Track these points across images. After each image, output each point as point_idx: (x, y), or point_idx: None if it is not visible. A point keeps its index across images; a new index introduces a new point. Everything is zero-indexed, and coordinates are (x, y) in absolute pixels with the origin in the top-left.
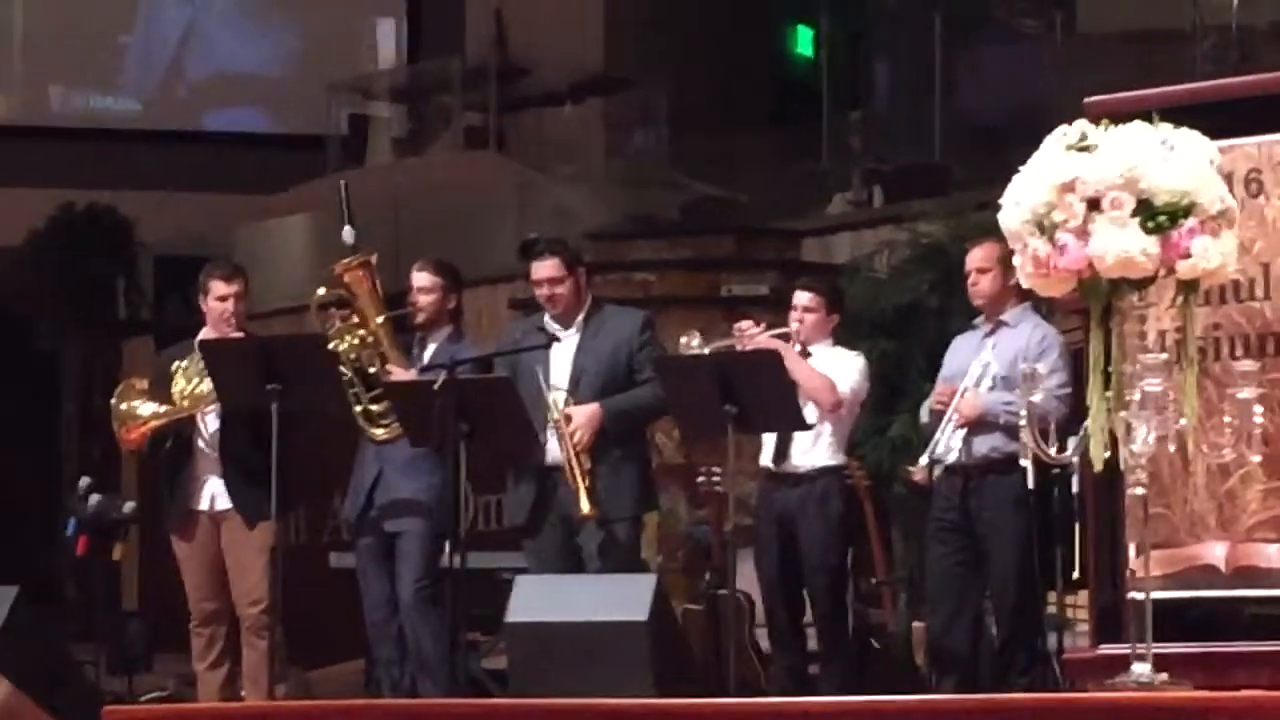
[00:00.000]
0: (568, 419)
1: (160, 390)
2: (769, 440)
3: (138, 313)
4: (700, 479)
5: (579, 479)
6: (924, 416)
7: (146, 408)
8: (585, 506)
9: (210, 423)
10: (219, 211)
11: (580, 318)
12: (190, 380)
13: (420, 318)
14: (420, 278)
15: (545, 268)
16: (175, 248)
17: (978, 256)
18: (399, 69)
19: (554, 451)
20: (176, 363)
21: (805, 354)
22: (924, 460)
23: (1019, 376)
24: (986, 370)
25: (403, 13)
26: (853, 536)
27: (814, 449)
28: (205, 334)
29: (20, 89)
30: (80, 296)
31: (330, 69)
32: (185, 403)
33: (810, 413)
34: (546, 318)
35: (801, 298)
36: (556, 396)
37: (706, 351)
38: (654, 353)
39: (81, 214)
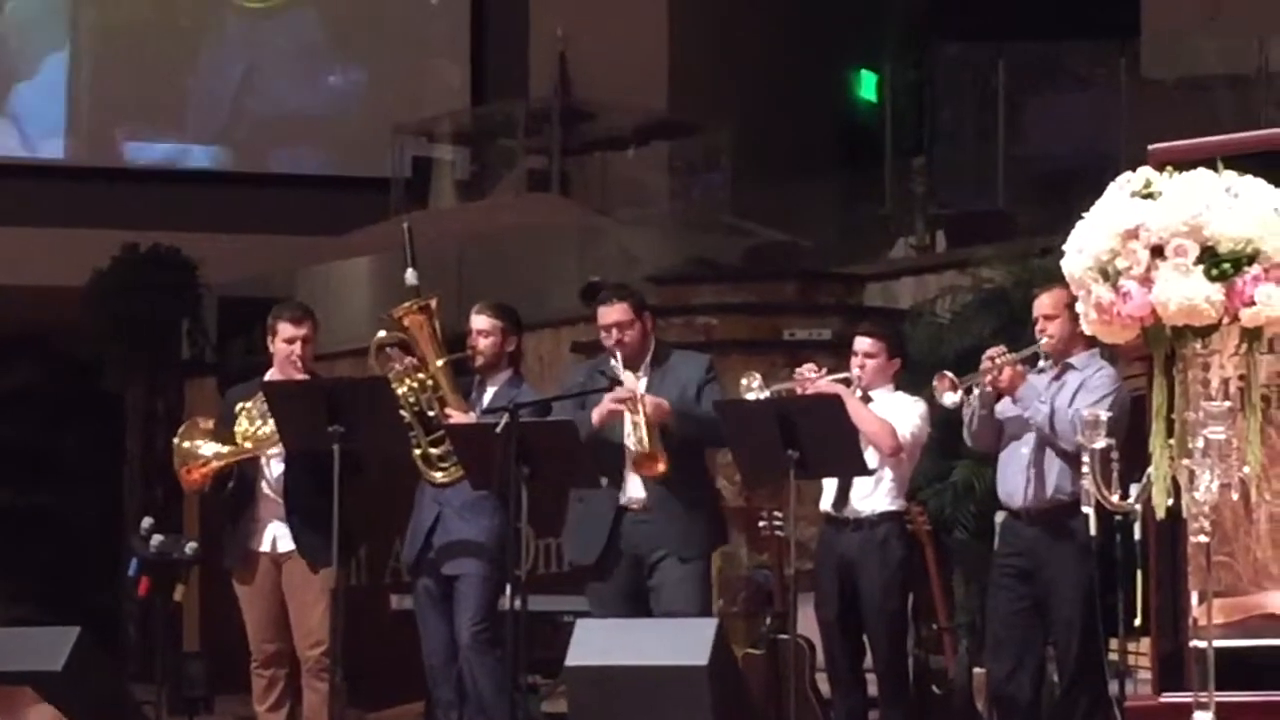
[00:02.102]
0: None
1: (224, 430)
2: (829, 485)
3: (201, 353)
4: (761, 523)
5: (651, 440)
6: (947, 401)
7: (209, 447)
8: (661, 465)
9: (274, 466)
10: (283, 253)
11: (646, 361)
12: (253, 421)
13: (479, 361)
14: (479, 320)
15: (613, 312)
16: (239, 289)
17: (1045, 303)
18: (462, 112)
19: (626, 492)
20: (241, 403)
21: (866, 399)
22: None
23: (1082, 423)
24: (1055, 410)
25: (466, 55)
26: (913, 582)
27: (874, 494)
28: (271, 375)
29: (85, 130)
30: (144, 337)
31: (394, 111)
32: (248, 444)
33: (871, 457)
34: (611, 361)
35: (862, 343)
36: (627, 376)
37: (767, 394)
38: (716, 395)
39: (146, 255)
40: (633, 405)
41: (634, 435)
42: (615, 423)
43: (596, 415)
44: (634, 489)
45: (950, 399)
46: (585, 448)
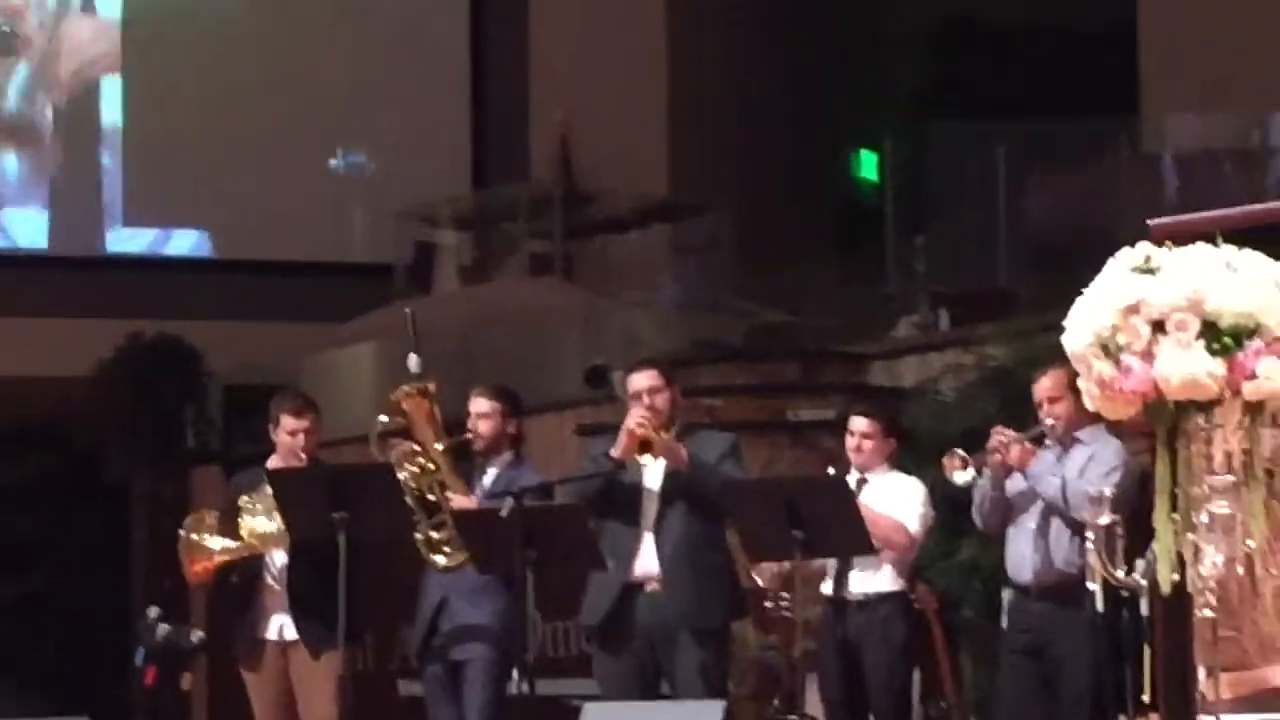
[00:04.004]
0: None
1: (229, 523)
2: (831, 567)
3: (207, 441)
4: (768, 603)
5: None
6: (958, 479)
7: (215, 542)
8: (682, 453)
9: (278, 557)
10: (287, 340)
11: (673, 434)
12: (256, 516)
13: (479, 444)
14: (478, 404)
15: (645, 377)
16: (243, 376)
17: (1047, 385)
18: (464, 196)
19: (640, 567)
20: (244, 498)
21: (863, 480)
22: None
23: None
24: (1064, 486)
25: (467, 139)
26: (919, 660)
27: (876, 576)
28: (273, 463)
29: (89, 219)
30: (149, 426)
31: (395, 197)
32: (254, 540)
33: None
34: (615, 449)
35: (859, 423)
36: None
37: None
38: (734, 469)
39: (150, 344)
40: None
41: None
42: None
43: (617, 448)
44: (647, 562)
45: (961, 478)
46: (591, 532)
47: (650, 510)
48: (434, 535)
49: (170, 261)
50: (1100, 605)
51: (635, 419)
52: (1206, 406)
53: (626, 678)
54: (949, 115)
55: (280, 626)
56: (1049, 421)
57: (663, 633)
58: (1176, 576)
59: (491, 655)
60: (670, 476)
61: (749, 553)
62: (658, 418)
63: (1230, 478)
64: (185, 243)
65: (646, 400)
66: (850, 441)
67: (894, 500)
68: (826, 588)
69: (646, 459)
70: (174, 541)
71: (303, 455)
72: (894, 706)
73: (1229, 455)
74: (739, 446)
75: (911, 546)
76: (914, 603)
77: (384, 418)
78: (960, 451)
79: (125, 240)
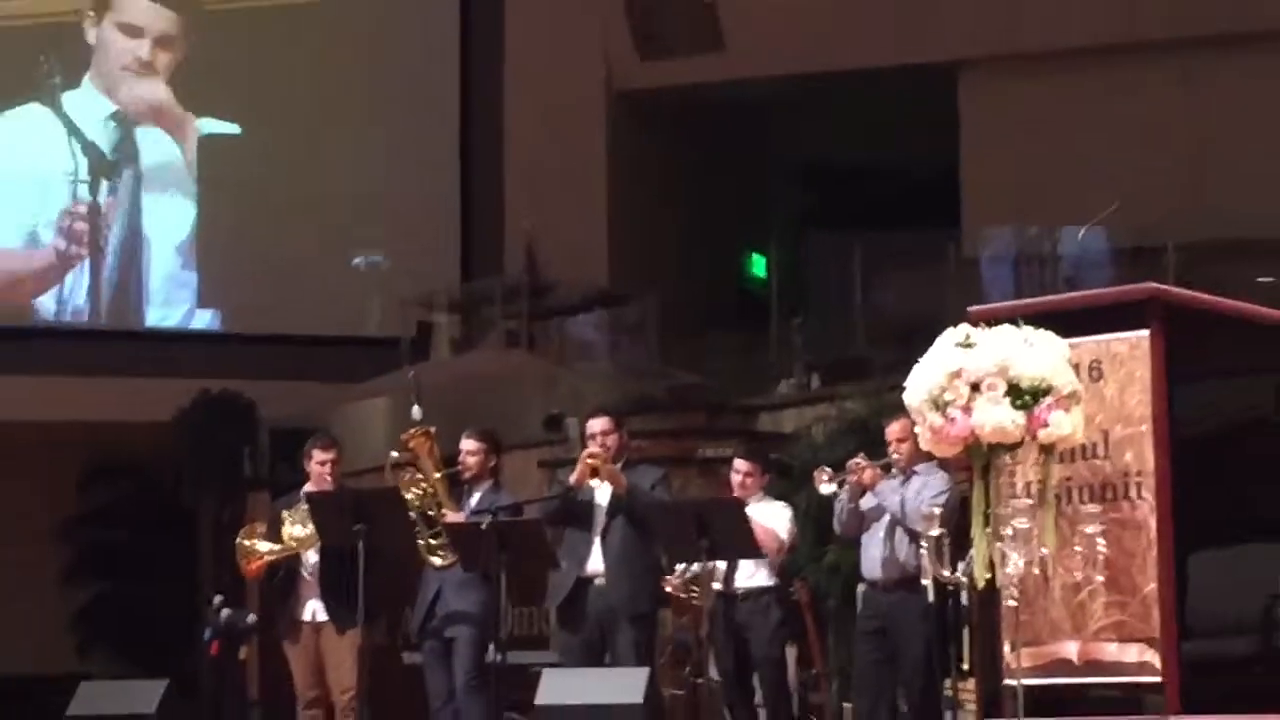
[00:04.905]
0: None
1: (273, 532)
2: (723, 567)
3: (258, 471)
4: (682, 595)
5: (608, 472)
6: (823, 489)
7: (264, 545)
8: (622, 480)
9: (311, 557)
10: (319, 395)
11: (618, 467)
12: (295, 524)
13: (467, 474)
14: (467, 443)
15: (599, 423)
16: (287, 423)
17: (895, 430)
18: (454, 287)
19: (589, 565)
20: (285, 512)
21: (743, 503)
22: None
23: (922, 515)
24: (904, 505)
25: (457, 245)
26: (795, 638)
27: (756, 574)
28: (309, 488)
29: (173, 305)
30: (214, 460)
31: (402, 287)
32: (294, 543)
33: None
34: (567, 477)
35: (741, 464)
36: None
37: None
38: (661, 495)
39: (215, 398)
40: (599, 463)
41: (600, 489)
42: (587, 484)
43: (574, 475)
44: (595, 562)
45: (826, 489)
46: (547, 541)
47: (599, 522)
48: (432, 542)
49: (230, 336)
50: (931, 596)
51: (589, 452)
52: (1011, 447)
53: (579, 650)
54: (818, 228)
55: (314, 610)
56: (894, 456)
57: (607, 616)
58: (988, 575)
59: (474, 633)
60: (614, 498)
61: (667, 555)
62: (607, 453)
63: (1029, 501)
64: (242, 322)
65: (600, 440)
66: (735, 478)
67: (769, 519)
68: (717, 584)
69: (595, 483)
70: (233, 547)
71: (329, 481)
72: (772, 671)
73: (1028, 484)
74: (669, 477)
75: (781, 551)
76: (791, 595)
77: (395, 453)
78: (827, 468)
79: (200, 318)
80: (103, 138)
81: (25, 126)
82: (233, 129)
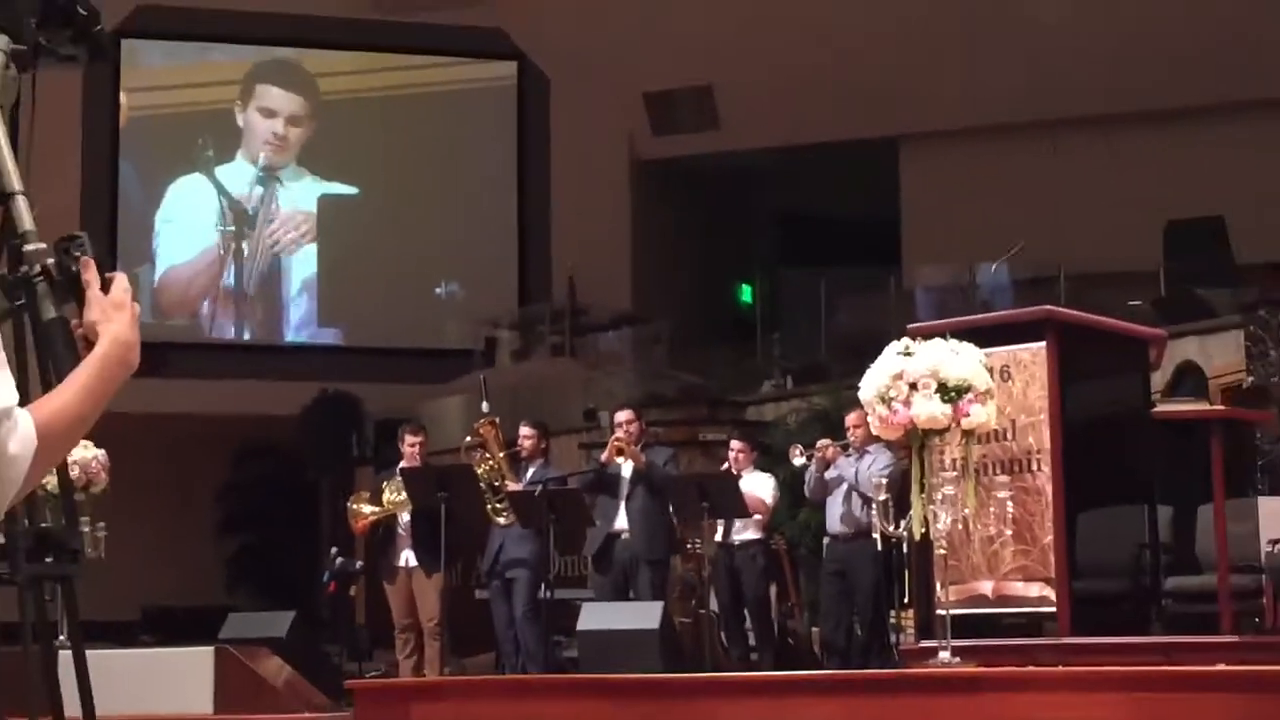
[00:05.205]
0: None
1: (376, 498)
2: (720, 524)
3: (364, 453)
4: (689, 545)
5: (631, 452)
6: (795, 461)
7: (368, 508)
8: (641, 458)
9: (404, 517)
10: (412, 393)
11: (639, 448)
12: (392, 492)
13: (524, 454)
14: (525, 430)
15: (624, 414)
16: (386, 414)
17: (852, 418)
18: (514, 311)
19: (618, 522)
20: (385, 482)
21: (738, 475)
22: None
23: (872, 484)
24: (858, 476)
25: (515, 278)
26: (776, 579)
27: (747, 530)
28: (403, 465)
29: (305, 325)
30: (330, 444)
31: (474, 311)
32: (391, 507)
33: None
34: (601, 456)
35: (735, 444)
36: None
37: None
38: (672, 470)
39: (331, 396)
40: (624, 445)
41: (625, 465)
42: (615, 461)
43: (605, 454)
44: (621, 521)
45: (798, 461)
46: (585, 505)
47: (624, 490)
48: (497, 505)
49: (343, 348)
50: (880, 546)
51: (616, 437)
52: (940, 432)
53: (609, 588)
54: (791, 266)
55: (406, 558)
56: (851, 438)
57: (631, 562)
58: (924, 530)
59: (530, 575)
60: (635, 472)
61: (677, 515)
62: (630, 438)
63: (954, 473)
64: (357, 336)
65: (624, 427)
66: (730, 455)
67: (756, 487)
68: (718, 537)
69: (621, 460)
70: (345, 510)
71: (418, 459)
72: (759, 606)
73: (954, 460)
74: (678, 455)
75: (767, 512)
76: (773, 546)
77: (468, 438)
78: (799, 446)
79: (323, 334)
80: (248, 198)
81: (186, 193)
82: (348, 189)
